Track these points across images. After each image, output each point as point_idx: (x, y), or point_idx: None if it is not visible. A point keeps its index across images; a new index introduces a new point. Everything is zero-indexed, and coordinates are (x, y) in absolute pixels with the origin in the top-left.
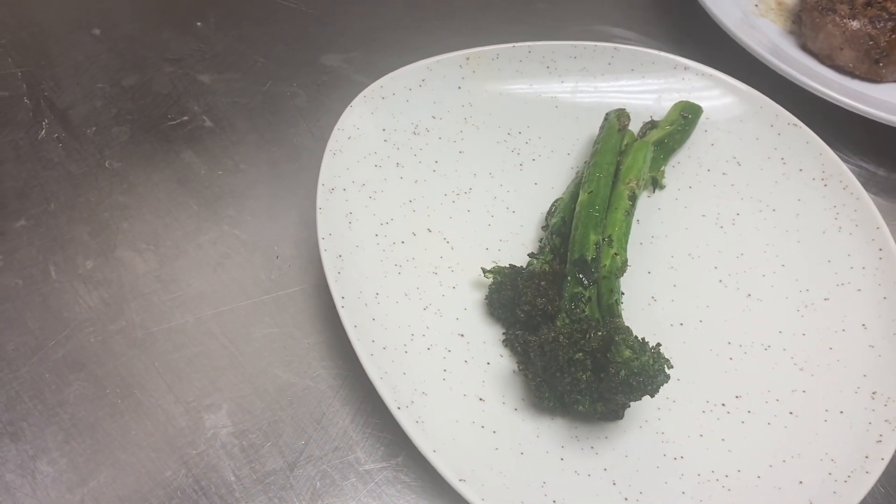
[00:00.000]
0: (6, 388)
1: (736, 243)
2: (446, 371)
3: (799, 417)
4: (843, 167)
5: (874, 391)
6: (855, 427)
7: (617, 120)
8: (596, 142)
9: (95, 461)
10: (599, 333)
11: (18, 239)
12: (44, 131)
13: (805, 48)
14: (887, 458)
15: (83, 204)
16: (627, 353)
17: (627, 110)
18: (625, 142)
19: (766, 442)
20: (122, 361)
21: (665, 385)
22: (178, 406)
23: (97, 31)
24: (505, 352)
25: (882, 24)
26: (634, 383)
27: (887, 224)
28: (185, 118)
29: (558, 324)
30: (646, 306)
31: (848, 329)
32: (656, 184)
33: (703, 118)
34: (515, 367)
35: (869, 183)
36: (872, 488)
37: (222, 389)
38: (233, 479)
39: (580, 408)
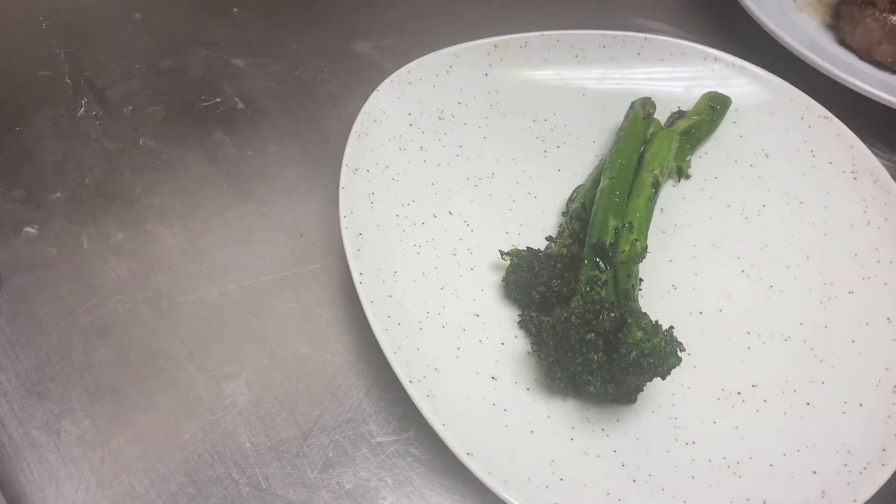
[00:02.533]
0: (36, 350)
1: (760, 234)
2: (460, 349)
3: (816, 408)
4: (875, 161)
5: None
6: (874, 420)
7: (642, 108)
8: (620, 129)
9: (117, 423)
10: (612, 315)
11: (54, 210)
12: (82, 109)
13: (843, 43)
14: None
15: (117, 179)
16: (639, 334)
17: (655, 100)
18: (650, 130)
19: (780, 431)
20: (147, 329)
21: (680, 371)
22: (199, 374)
23: (138, 16)
24: (520, 333)
25: None
26: (645, 364)
27: None
28: (218, 100)
29: (572, 305)
30: (665, 294)
31: (871, 322)
32: (682, 173)
33: (732, 109)
34: (529, 348)
35: None
36: (891, 483)
37: (242, 359)
38: (248, 445)
39: (591, 388)
